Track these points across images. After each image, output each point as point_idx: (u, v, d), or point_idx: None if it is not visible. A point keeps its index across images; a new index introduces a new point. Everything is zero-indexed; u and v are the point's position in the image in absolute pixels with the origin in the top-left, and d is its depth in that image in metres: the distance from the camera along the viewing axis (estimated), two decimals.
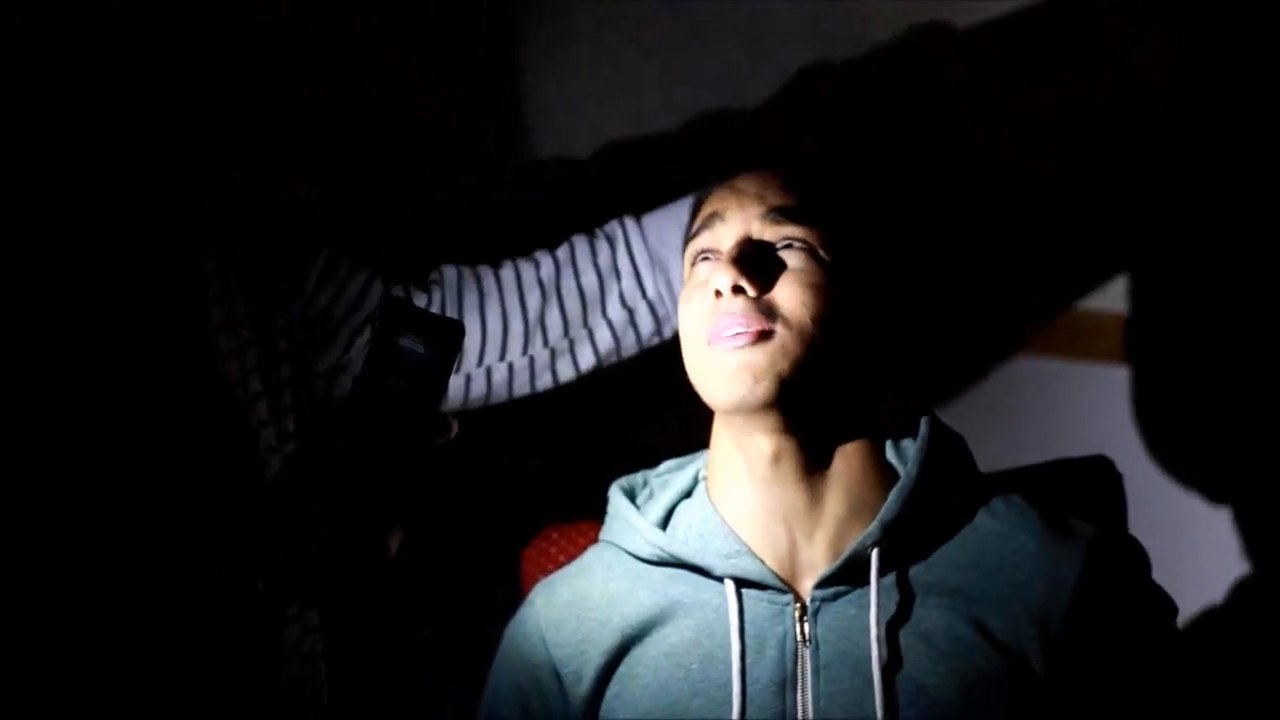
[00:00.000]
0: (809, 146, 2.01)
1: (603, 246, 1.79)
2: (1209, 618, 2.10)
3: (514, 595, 1.68)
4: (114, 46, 1.57)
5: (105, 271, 1.53)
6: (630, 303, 1.78)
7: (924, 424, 1.54)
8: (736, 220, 1.53)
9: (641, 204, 1.82)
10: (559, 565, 1.66)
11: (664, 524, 1.56)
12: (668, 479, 1.61)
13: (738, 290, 1.48)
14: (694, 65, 2.03)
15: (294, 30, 1.90)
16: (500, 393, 1.79)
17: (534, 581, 1.63)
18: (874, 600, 1.46)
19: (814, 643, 1.48)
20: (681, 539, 1.54)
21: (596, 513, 1.63)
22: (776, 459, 1.50)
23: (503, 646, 1.59)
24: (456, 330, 1.33)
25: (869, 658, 1.45)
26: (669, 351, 1.67)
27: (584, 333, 1.78)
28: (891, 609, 1.47)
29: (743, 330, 1.47)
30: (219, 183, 1.64)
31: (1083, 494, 1.74)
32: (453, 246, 1.90)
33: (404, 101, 2.00)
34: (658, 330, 1.78)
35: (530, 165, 2.04)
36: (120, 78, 1.57)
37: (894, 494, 1.50)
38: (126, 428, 1.50)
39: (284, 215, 1.71)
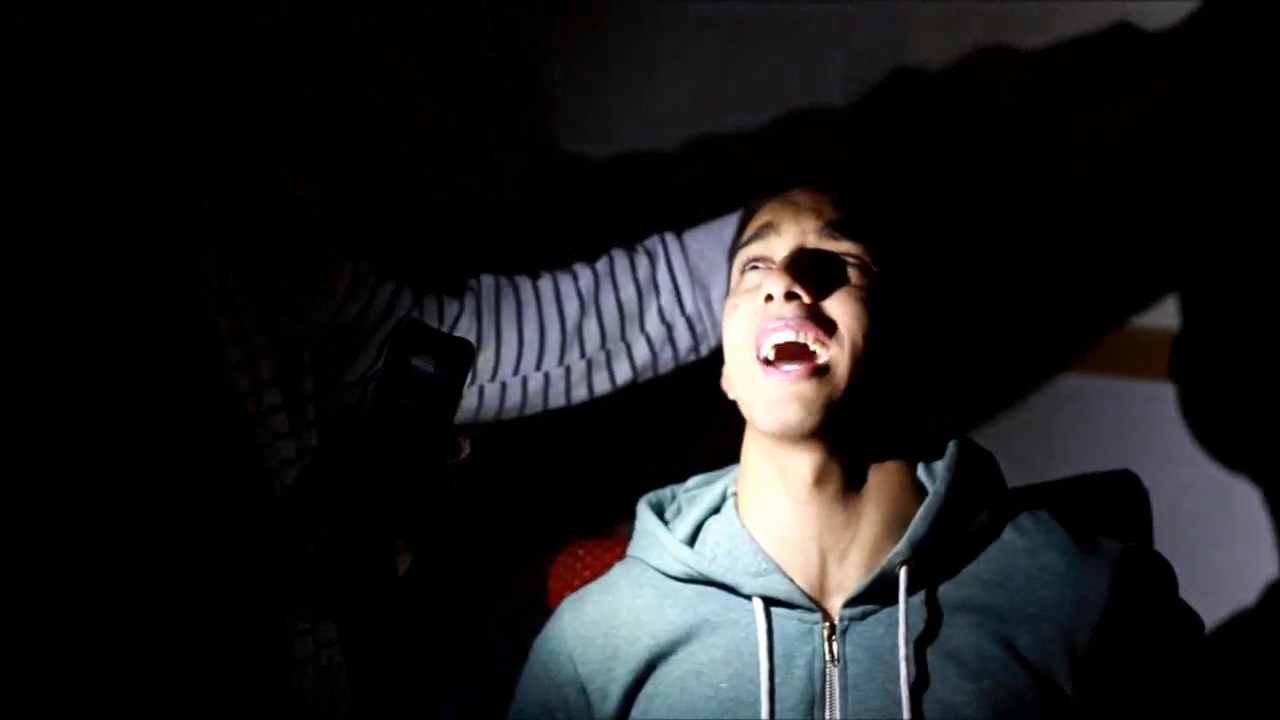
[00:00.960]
0: (853, 170, 2.01)
1: (642, 261, 1.78)
2: (1236, 634, 2.10)
3: (541, 610, 1.67)
4: (114, 46, 1.55)
5: (105, 271, 1.51)
6: (669, 318, 1.76)
7: (952, 442, 1.54)
8: (792, 231, 1.53)
9: (655, 208, 1.81)
10: (586, 580, 1.65)
11: (692, 541, 1.56)
12: (696, 495, 1.60)
13: (791, 296, 1.48)
14: (721, 65, 2.02)
15: (294, 30, 1.90)
16: (535, 403, 1.78)
17: (561, 596, 1.63)
18: (902, 619, 1.46)
19: (842, 662, 1.47)
20: (710, 556, 1.53)
21: (624, 527, 1.62)
22: (816, 479, 1.49)
23: (529, 663, 1.59)
24: (467, 351, 1.32)
25: (897, 677, 1.45)
26: (700, 365, 1.67)
27: (621, 346, 1.77)
28: (920, 628, 1.47)
29: (793, 339, 1.46)
30: (219, 183, 1.62)
31: (1108, 509, 1.74)
32: (453, 247, 1.89)
33: (404, 101, 1.99)
34: (695, 347, 1.77)
35: (547, 165, 2.03)
36: (120, 78, 1.55)
37: (921, 512, 1.50)
38: (126, 426, 1.49)
39: (284, 215, 1.69)
